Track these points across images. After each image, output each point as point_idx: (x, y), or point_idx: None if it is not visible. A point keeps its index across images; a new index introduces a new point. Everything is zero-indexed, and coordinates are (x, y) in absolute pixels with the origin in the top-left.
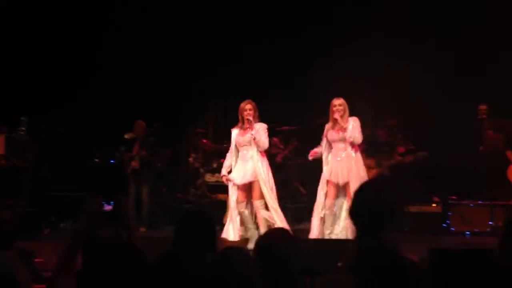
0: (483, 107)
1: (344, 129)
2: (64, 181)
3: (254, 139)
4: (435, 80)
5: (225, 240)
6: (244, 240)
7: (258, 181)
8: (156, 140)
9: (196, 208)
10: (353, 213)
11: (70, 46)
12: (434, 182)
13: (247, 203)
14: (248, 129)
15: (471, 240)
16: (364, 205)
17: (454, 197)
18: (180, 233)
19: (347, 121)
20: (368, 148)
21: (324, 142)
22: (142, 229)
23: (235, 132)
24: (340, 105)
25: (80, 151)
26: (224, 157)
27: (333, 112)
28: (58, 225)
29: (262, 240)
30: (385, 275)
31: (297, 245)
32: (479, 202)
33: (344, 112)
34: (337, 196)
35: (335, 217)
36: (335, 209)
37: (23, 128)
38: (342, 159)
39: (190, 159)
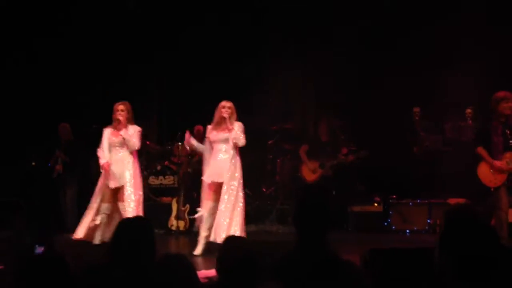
0: (416, 109)
1: (229, 130)
2: None
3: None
4: (372, 82)
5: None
6: None
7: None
8: (79, 143)
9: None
10: (295, 216)
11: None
12: (375, 182)
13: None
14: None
15: (410, 238)
16: (305, 209)
17: (394, 197)
18: (115, 241)
19: (233, 124)
20: (311, 149)
21: (206, 144)
22: (71, 235)
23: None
24: (229, 107)
25: (15, 153)
26: (167, 159)
27: (221, 113)
28: None
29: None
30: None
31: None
32: (418, 201)
33: (232, 114)
34: (215, 198)
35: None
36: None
37: None
38: (221, 159)
39: None
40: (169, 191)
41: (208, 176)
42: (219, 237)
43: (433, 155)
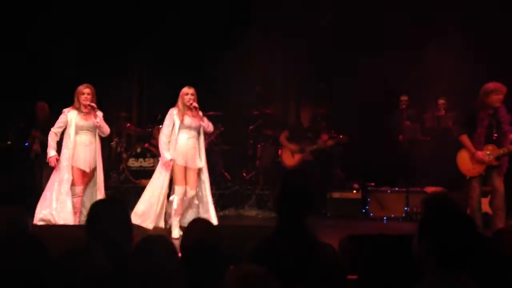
0: (404, 97)
1: (200, 118)
2: None
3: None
4: (360, 69)
5: None
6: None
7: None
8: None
9: (107, 197)
10: (276, 200)
11: None
12: (355, 169)
13: None
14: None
15: (388, 225)
16: (287, 192)
17: (372, 184)
18: (90, 223)
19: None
20: (291, 135)
21: (175, 126)
22: None
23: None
24: (192, 94)
25: None
26: (147, 141)
27: (186, 100)
28: None
29: (187, 235)
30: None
31: (219, 234)
32: (396, 188)
33: (195, 101)
34: (187, 183)
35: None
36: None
37: None
38: (195, 146)
39: (113, 144)
40: (149, 173)
41: (185, 161)
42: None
43: (411, 144)
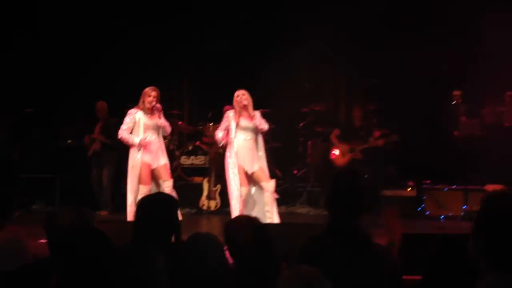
0: (457, 92)
1: (252, 117)
2: (36, 162)
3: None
4: (410, 65)
5: None
6: None
7: None
8: (118, 122)
9: (153, 194)
10: (328, 199)
11: (40, 22)
12: (409, 166)
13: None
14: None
15: (445, 224)
16: (338, 192)
17: (428, 182)
18: (139, 221)
19: (253, 111)
20: (343, 133)
21: (232, 128)
22: (104, 213)
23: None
24: (243, 94)
25: (52, 132)
26: (199, 139)
27: (238, 102)
28: (30, 207)
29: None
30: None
31: (268, 232)
32: (454, 186)
33: (249, 101)
34: (249, 183)
35: (252, 203)
36: (251, 195)
37: None
38: (251, 147)
39: (165, 142)
40: (200, 171)
41: (244, 164)
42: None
43: (469, 140)
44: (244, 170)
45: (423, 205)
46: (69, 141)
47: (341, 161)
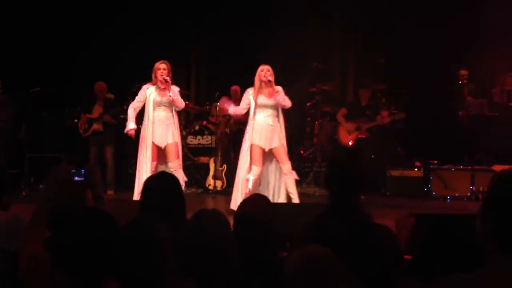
0: (464, 72)
1: (274, 94)
2: (42, 141)
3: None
4: (417, 45)
5: None
6: None
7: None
8: (118, 101)
9: (156, 173)
10: (328, 178)
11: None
12: (416, 146)
13: None
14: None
15: (451, 204)
16: (339, 171)
17: (435, 162)
18: (144, 198)
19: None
20: (349, 113)
21: (251, 106)
22: (110, 192)
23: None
24: (268, 70)
25: (59, 111)
26: (206, 119)
27: (262, 76)
28: (37, 186)
29: (239, 209)
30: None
31: (274, 212)
32: (461, 167)
33: (272, 77)
34: (264, 162)
35: (265, 182)
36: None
37: None
38: (270, 124)
39: None
40: (207, 151)
41: (261, 142)
42: (278, 198)
43: (477, 120)
44: (260, 149)
45: (430, 185)
46: (75, 121)
47: (347, 140)
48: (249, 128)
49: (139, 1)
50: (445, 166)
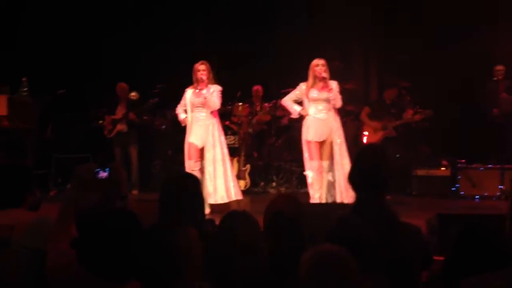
0: (499, 67)
1: (329, 90)
2: (68, 142)
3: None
4: (448, 40)
5: None
6: None
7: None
8: (155, 102)
9: (177, 172)
10: (353, 177)
11: (75, 8)
12: (443, 145)
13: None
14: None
15: (480, 204)
16: (364, 170)
17: (463, 161)
18: (164, 199)
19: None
20: (373, 111)
21: (305, 105)
22: (135, 192)
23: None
24: (323, 65)
25: (84, 113)
26: (228, 119)
27: (317, 72)
28: (65, 187)
29: (269, 208)
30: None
31: (303, 211)
32: (489, 166)
33: (327, 72)
34: (321, 158)
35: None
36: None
37: (25, 89)
38: (324, 118)
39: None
40: (230, 151)
41: (316, 136)
42: (347, 197)
43: (508, 117)
44: (316, 143)
45: (458, 184)
46: (100, 122)
47: (373, 139)
48: (305, 126)
49: (162, 3)
50: (473, 165)
